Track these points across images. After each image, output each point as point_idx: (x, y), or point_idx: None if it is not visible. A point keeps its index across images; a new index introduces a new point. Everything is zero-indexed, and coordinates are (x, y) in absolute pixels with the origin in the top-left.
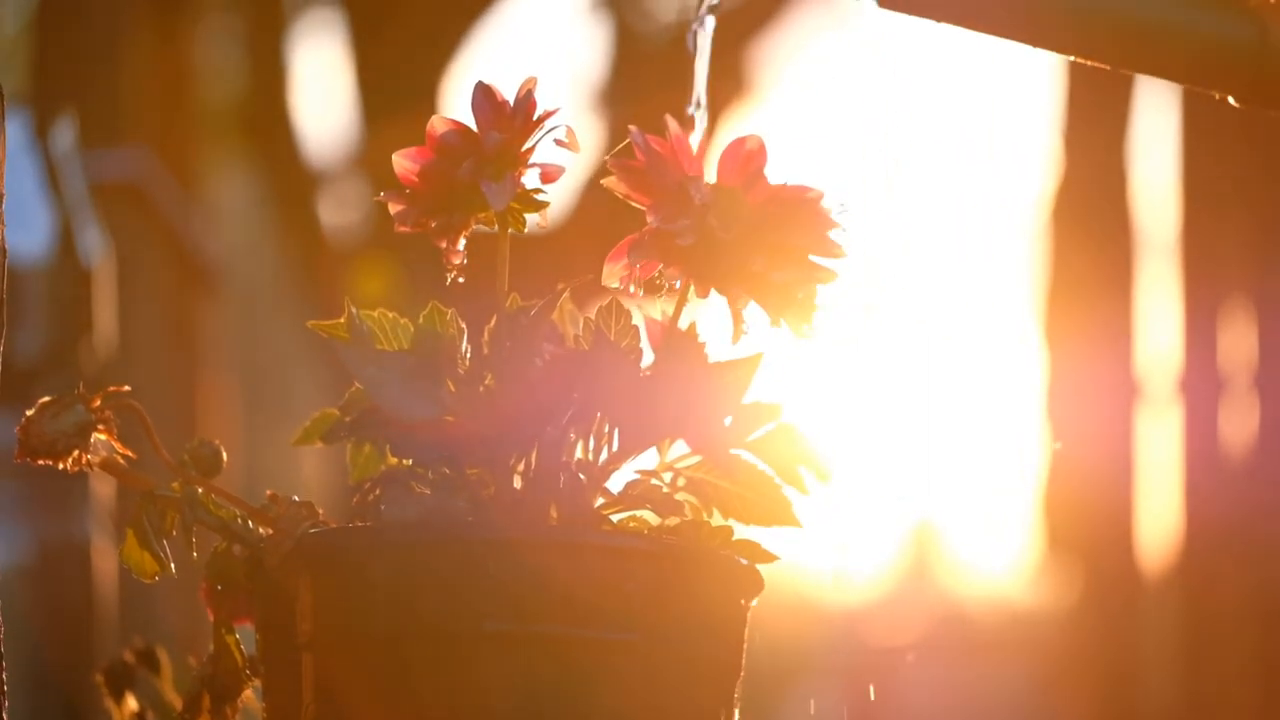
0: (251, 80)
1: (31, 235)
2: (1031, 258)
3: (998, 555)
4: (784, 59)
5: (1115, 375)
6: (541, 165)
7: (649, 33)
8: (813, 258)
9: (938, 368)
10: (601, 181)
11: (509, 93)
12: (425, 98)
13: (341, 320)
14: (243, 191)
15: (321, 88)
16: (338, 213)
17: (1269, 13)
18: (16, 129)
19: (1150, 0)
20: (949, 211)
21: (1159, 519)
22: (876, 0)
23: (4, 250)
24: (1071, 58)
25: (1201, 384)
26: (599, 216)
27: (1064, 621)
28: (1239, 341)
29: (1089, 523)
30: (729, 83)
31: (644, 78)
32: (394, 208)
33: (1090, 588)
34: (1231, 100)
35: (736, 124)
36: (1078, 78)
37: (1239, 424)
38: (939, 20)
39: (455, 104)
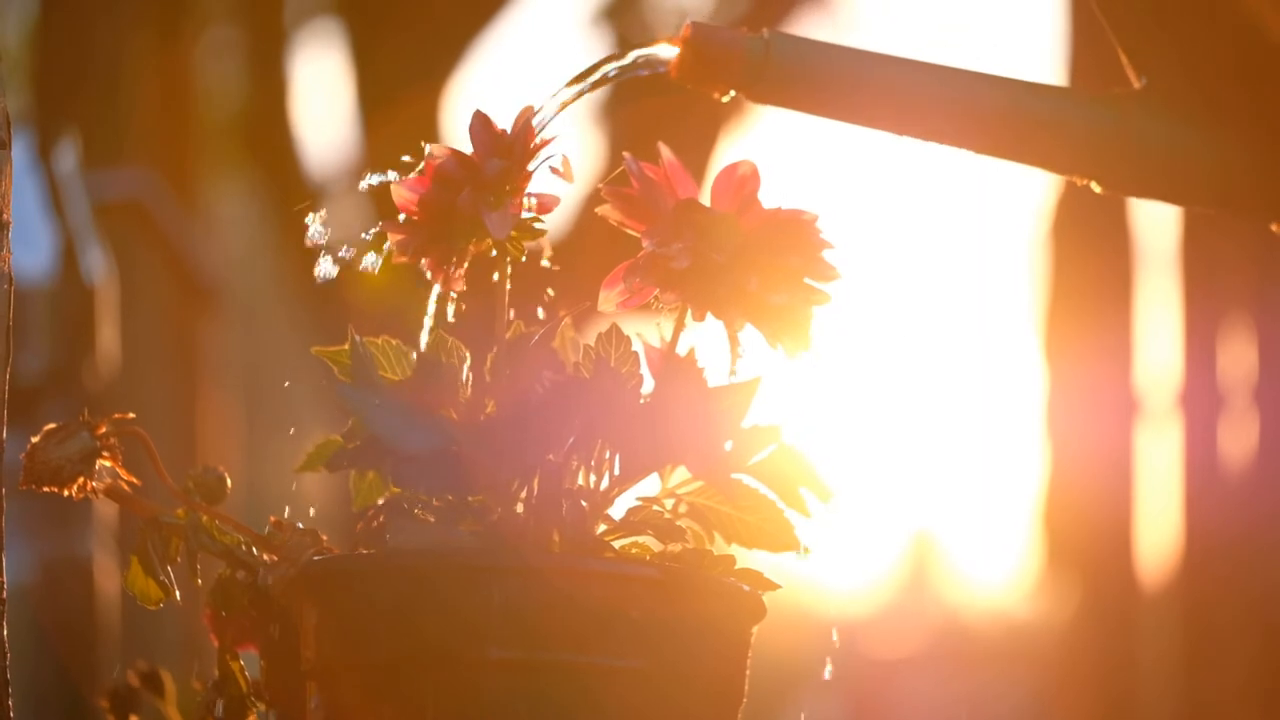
0: (253, 97)
1: (34, 255)
2: (1031, 271)
3: (997, 568)
4: None
5: (1115, 389)
6: (540, 194)
7: (647, 45)
8: (808, 280)
9: (937, 380)
10: (597, 210)
11: (506, 120)
12: (427, 112)
13: (344, 347)
14: (245, 209)
15: (323, 103)
16: (341, 228)
17: (1128, 101)
18: (19, 149)
19: (1010, 90)
20: (949, 224)
21: (1158, 533)
22: (746, 95)
23: (11, 278)
24: (942, 147)
25: (1201, 398)
26: (599, 229)
27: (1063, 634)
28: (1239, 356)
29: (1088, 536)
30: (730, 102)
31: (643, 91)
32: (394, 237)
33: (1089, 601)
34: (1095, 187)
35: (736, 139)
36: (1075, 86)
37: (1238, 439)
38: (815, 114)
39: (456, 119)
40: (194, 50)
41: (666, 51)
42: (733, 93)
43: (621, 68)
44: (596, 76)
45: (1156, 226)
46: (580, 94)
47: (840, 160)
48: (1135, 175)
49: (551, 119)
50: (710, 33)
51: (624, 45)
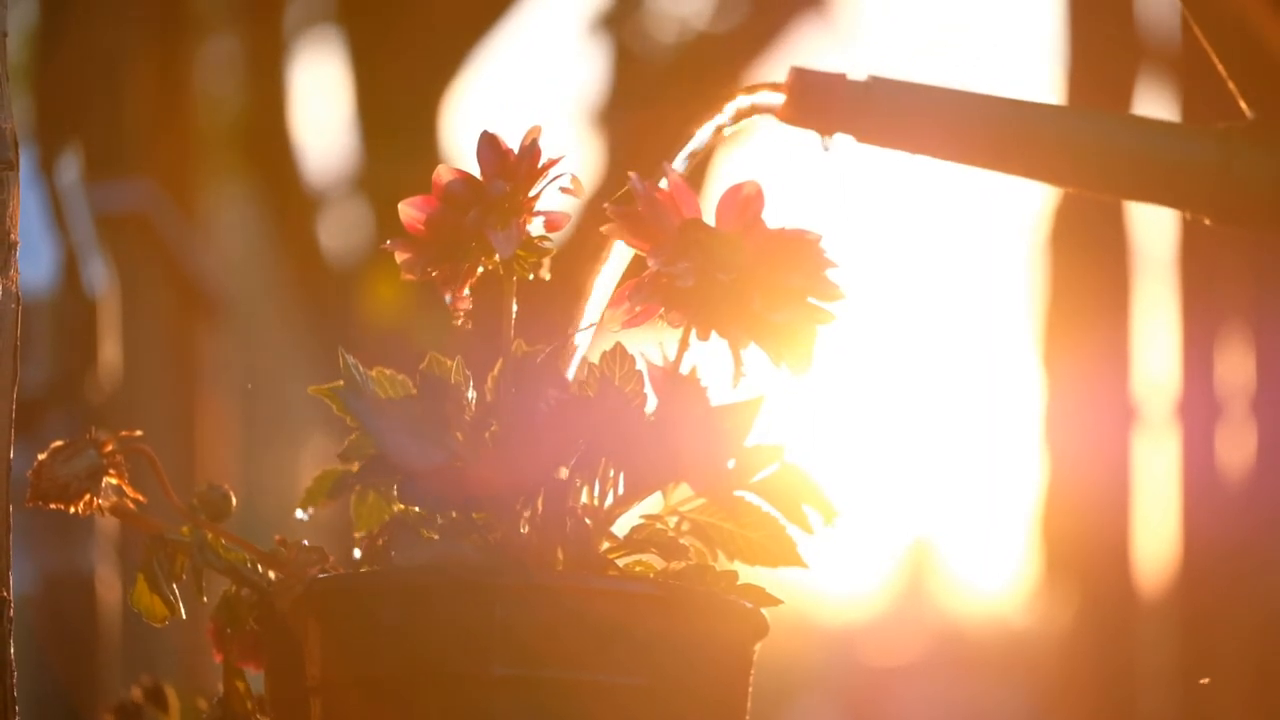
0: (253, 107)
1: (37, 267)
2: (1030, 279)
3: (995, 576)
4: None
5: (1113, 397)
6: (546, 213)
7: (647, 54)
8: (811, 299)
9: (936, 388)
10: (601, 229)
11: (512, 137)
12: (426, 121)
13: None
14: (246, 219)
15: (323, 112)
16: (340, 238)
17: (1234, 136)
18: (22, 162)
19: (1118, 128)
20: (947, 232)
21: (1156, 541)
22: (854, 136)
23: (18, 298)
24: (1051, 186)
25: (1199, 407)
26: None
27: (1061, 642)
28: (1237, 364)
29: (1086, 544)
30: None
31: (642, 98)
32: (400, 255)
33: (1087, 609)
34: (1206, 221)
35: (732, 148)
36: (1074, 94)
37: (1236, 447)
38: (916, 153)
39: (455, 127)
40: (194, 61)
41: (772, 97)
42: (837, 135)
43: (732, 116)
44: (709, 129)
45: (1154, 234)
46: (698, 148)
47: (838, 169)
48: (1244, 210)
49: (678, 174)
50: (813, 78)
51: (623, 54)
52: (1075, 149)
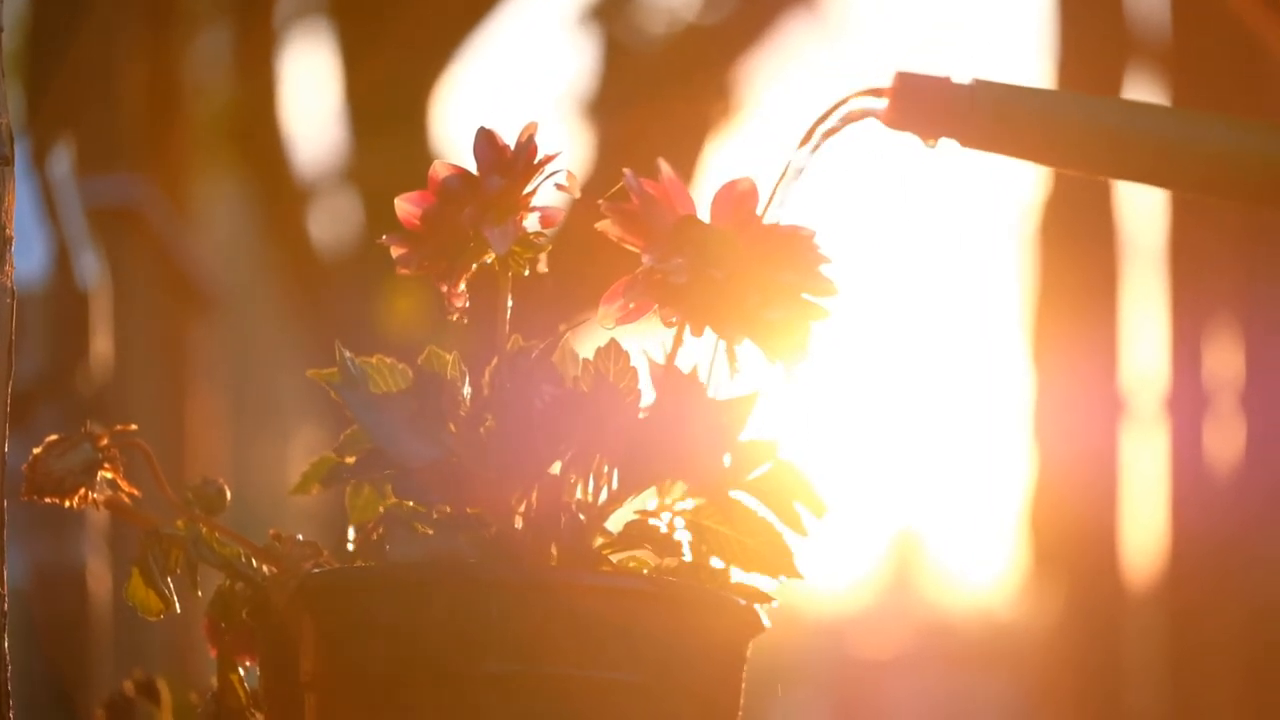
0: (244, 100)
1: (28, 261)
2: (1019, 270)
3: (982, 569)
4: (773, 76)
5: (1101, 390)
6: (542, 209)
7: (637, 46)
8: (805, 295)
9: (924, 380)
10: (596, 225)
11: (507, 132)
12: (417, 113)
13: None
14: (237, 212)
15: (314, 104)
16: (331, 230)
17: None
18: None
19: (1231, 131)
20: (935, 224)
21: (1144, 534)
22: (959, 140)
23: (13, 293)
24: (1141, 185)
25: (1187, 400)
26: (588, 232)
27: (1048, 636)
28: (1225, 358)
29: (1074, 538)
30: (718, 103)
31: (632, 91)
32: (396, 251)
33: (1075, 603)
34: None
35: (722, 141)
36: (1063, 87)
37: (1225, 440)
38: (1022, 158)
39: (446, 119)
40: (186, 55)
41: (876, 102)
42: (942, 139)
43: (836, 121)
44: (818, 137)
45: (1144, 226)
46: (809, 155)
47: (826, 162)
48: None
49: (789, 187)
50: (917, 81)
51: (613, 46)
52: (1186, 151)
